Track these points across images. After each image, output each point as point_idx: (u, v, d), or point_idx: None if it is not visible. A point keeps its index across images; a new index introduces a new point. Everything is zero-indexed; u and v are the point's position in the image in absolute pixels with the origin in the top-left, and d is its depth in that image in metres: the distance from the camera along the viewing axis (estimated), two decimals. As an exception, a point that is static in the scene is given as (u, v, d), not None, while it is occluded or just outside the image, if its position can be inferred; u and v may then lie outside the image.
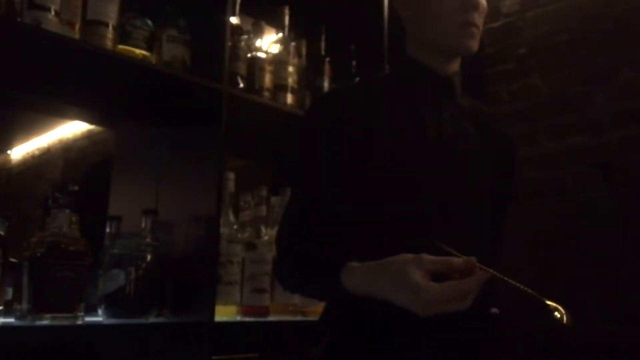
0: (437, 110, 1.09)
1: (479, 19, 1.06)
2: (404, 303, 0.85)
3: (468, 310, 0.86)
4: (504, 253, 1.14)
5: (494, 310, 1.09)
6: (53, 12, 1.26)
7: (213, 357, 1.35)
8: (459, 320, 0.93)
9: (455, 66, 1.12)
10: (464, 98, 1.15)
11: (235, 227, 1.57)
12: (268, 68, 1.68)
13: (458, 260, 0.84)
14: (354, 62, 1.95)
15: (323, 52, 1.90)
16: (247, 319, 1.52)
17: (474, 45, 1.06)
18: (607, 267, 1.88)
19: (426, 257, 0.84)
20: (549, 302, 0.82)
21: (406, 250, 0.87)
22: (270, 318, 1.55)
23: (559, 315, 0.80)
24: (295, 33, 1.82)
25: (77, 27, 1.33)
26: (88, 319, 1.25)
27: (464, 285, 0.83)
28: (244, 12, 1.69)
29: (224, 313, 1.46)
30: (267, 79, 1.67)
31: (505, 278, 0.84)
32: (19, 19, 1.24)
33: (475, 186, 1.07)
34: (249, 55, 1.66)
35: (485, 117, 1.18)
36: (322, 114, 1.11)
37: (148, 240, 1.42)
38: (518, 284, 0.83)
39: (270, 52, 1.73)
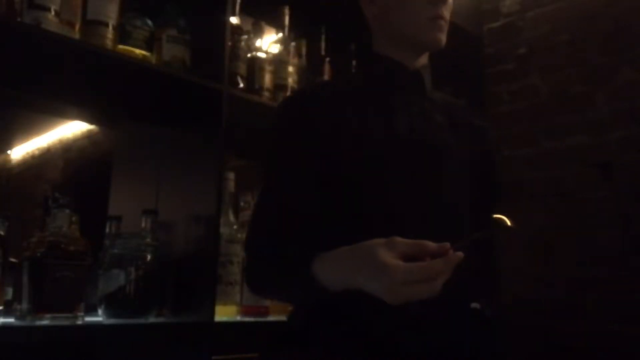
0: (406, 104, 1.08)
1: (446, 13, 1.07)
2: (371, 285, 0.83)
3: (446, 305, 0.84)
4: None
5: (475, 305, 1.08)
6: (53, 12, 1.26)
7: (213, 357, 1.35)
8: (438, 316, 0.92)
9: (423, 60, 1.13)
10: (435, 92, 1.15)
11: (235, 227, 1.57)
12: (268, 68, 1.68)
13: (432, 244, 0.83)
14: (354, 62, 1.95)
15: (323, 52, 1.90)
16: (247, 319, 1.52)
17: (443, 38, 1.07)
18: (607, 267, 1.87)
19: (399, 239, 0.83)
20: (495, 216, 0.94)
21: None
22: (270, 318, 1.55)
23: (503, 222, 0.93)
24: (295, 33, 1.82)
25: (77, 27, 1.33)
26: (88, 319, 1.25)
27: (432, 265, 0.81)
28: (244, 12, 1.69)
29: (224, 313, 1.46)
30: (267, 79, 1.67)
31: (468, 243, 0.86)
32: (19, 19, 1.24)
33: (451, 179, 1.06)
34: (249, 55, 1.66)
35: (460, 111, 1.17)
36: (290, 112, 1.10)
37: (148, 240, 1.42)
38: (477, 234, 0.90)
39: (270, 52, 1.73)
